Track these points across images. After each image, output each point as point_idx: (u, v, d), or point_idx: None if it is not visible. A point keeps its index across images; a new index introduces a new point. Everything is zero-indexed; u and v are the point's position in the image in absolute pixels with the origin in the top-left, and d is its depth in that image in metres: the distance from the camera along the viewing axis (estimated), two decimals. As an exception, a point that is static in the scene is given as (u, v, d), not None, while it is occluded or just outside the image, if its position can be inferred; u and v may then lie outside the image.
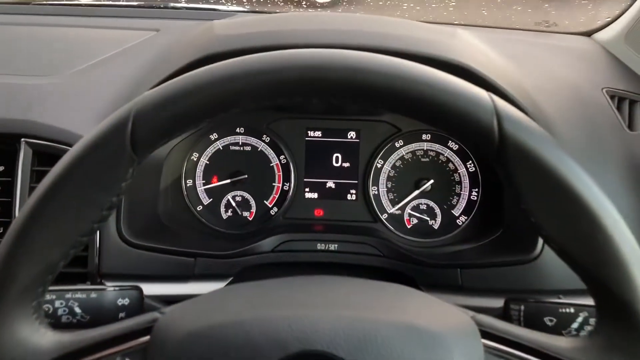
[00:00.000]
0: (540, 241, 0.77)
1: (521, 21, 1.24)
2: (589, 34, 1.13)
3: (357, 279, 0.49)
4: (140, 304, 0.68)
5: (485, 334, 0.43)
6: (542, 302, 0.63)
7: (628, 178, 0.81)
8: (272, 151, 0.99)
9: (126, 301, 0.67)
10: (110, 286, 0.67)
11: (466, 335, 0.42)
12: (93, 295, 0.65)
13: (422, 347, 0.40)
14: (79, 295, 0.64)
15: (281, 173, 0.99)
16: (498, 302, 0.73)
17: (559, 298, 0.65)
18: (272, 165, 1.00)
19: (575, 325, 0.60)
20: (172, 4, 1.20)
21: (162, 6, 1.19)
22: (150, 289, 0.75)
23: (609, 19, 1.09)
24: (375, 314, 0.43)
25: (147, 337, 0.43)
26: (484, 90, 0.43)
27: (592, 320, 0.59)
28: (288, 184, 0.99)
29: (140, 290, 0.69)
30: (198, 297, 0.47)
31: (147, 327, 0.44)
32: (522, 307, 0.64)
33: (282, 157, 0.99)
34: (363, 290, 0.47)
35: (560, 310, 0.61)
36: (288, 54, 0.43)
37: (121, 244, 0.79)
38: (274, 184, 1.00)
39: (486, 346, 0.42)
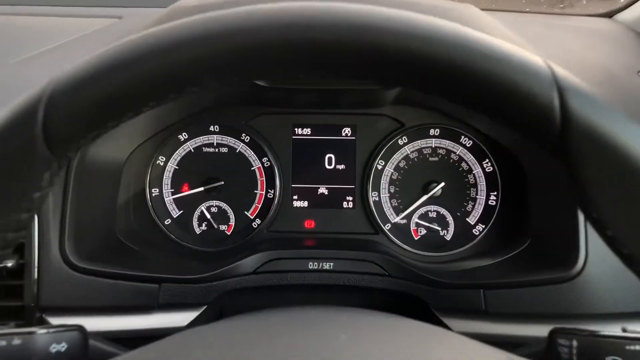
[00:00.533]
0: (583, 254, 0.68)
1: (532, 2, 1.20)
2: (609, 15, 1.11)
3: (360, 311, 0.44)
4: (84, 350, 0.57)
5: None
6: (599, 336, 0.53)
7: None
8: (252, 153, 0.93)
9: (62, 347, 0.55)
10: (41, 328, 0.56)
11: None
12: (16, 341, 0.52)
13: None
14: (-4, 342, 0.55)
15: (264, 178, 0.93)
16: (533, 330, 0.69)
17: (624, 330, 0.53)
18: (254, 169, 0.93)
19: (650, 367, 0.51)
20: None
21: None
22: (103, 324, 0.71)
23: (631, -2, 1.08)
24: None
25: None
26: (539, 57, 0.34)
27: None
28: (272, 191, 0.92)
29: (82, 330, 0.58)
30: (147, 346, 0.39)
31: None
32: (575, 343, 0.54)
33: (264, 159, 0.92)
34: (370, 329, 0.40)
35: (627, 347, 0.51)
36: (265, 8, 0.34)
37: (66, 269, 0.70)
38: (255, 191, 0.93)
39: None
